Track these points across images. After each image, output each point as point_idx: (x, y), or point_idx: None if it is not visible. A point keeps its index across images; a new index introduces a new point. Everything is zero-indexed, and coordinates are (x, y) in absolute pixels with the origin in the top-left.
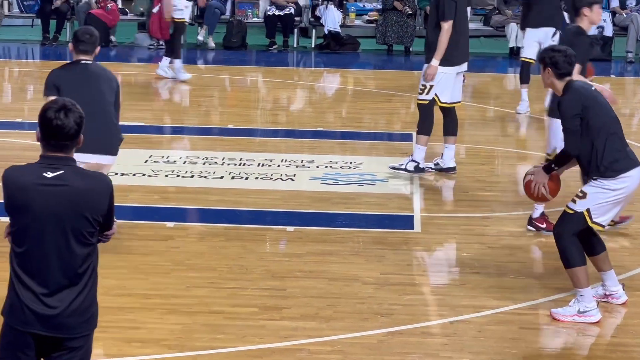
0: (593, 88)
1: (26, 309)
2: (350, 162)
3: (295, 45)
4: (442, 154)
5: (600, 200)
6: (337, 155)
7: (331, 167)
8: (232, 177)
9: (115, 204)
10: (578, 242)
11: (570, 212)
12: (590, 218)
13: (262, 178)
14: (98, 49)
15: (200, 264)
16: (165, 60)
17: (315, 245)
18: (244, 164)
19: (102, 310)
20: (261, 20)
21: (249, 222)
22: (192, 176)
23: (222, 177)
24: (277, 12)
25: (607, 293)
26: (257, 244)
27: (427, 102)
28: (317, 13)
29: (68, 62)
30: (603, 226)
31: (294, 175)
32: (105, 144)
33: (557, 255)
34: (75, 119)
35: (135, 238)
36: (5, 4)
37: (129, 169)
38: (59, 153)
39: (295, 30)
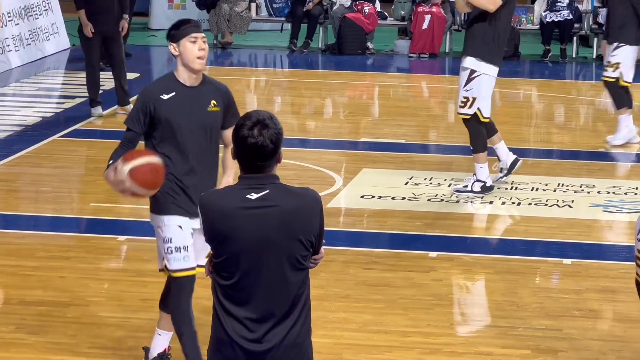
0: None
1: (236, 346)
2: (636, 188)
3: (574, 56)
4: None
5: None
6: (621, 179)
7: (614, 192)
8: (503, 203)
9: (372, 230)
10: None
11: None
12: None
13: (535, 204)
14: None
15: (467, 299)
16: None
17: (596, 281)
18: (516, 188)
19: (357, 348)
20: (536, 27)
21: (520, 253)
22: (458, 201)
23: (491, 203)
24: (554, 19)
25: None
26: (529, 278)
27: None
28: (600, 19)
29: None
30: None
31: (572, 201)
32: None
33: None
34: (271, 135)
35: (393, 269)
36: (253, 6)
37: (387, 192)
38: (260, 173)
39: (575, 39)
